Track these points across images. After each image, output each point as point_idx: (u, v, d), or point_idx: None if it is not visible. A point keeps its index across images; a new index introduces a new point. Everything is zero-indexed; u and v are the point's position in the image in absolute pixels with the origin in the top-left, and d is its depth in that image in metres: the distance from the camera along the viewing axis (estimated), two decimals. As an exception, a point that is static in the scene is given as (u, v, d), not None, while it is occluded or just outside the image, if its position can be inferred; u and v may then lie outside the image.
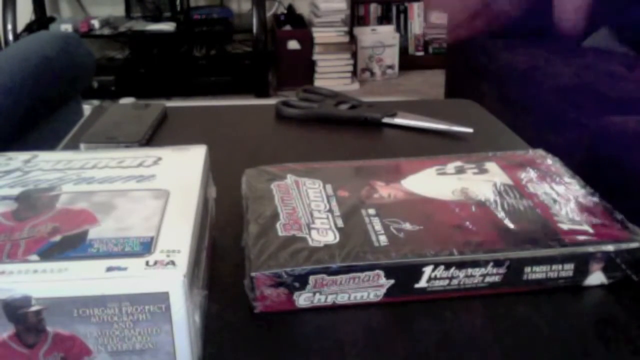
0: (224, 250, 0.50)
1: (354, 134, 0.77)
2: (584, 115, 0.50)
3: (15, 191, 0.44)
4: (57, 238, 0.38)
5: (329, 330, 0.43)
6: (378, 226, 0.47)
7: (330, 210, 0.49)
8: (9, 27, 3.02)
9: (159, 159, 0.49)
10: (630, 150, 0.69)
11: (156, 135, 0.76)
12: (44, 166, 0.48)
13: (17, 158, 0.50)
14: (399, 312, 0.44)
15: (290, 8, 3.38)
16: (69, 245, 0.38)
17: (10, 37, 3.02)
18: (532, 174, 0.55)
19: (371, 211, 0.49)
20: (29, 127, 1.17)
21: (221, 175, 0.54)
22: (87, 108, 0.88)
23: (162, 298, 0.35)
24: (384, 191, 0.52)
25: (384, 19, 3.67)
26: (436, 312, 0.44)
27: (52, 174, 0.47)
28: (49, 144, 0.77)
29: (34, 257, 0.37)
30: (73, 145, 0.73)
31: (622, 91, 0.71)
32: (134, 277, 0.35)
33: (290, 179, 0.53)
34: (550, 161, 0.57)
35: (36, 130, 1.17)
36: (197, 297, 0.38)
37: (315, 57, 3.33)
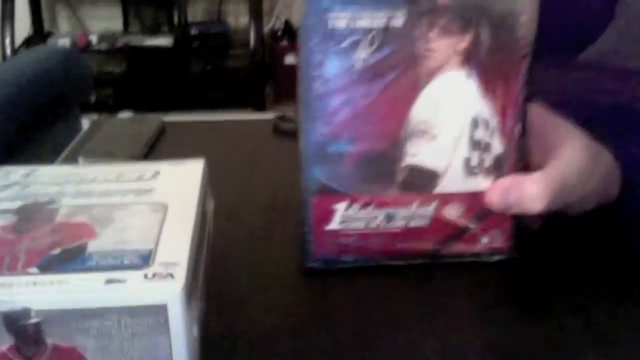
0: (222, 263, 0.50)
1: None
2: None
3: (15, 204, 0.45)
4: (56, 251, 0.39)
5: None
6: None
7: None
8: (7, 41, 3.03)
9: (157, 172, 0.49)
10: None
11: (154, 148, 0.76)
12: (44, 180, 0.49)
13: (17, 172, 0.50)
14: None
15: (287, 23, 3.40)
16: (68, 257, 0.38)
17: (8, 51, 3.03)
18: None
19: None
20: (27, 140, 1.17)
21: (219, 189, 0.54)
22: (85, 122, 0.89)
23: (161, 310, 0.36)
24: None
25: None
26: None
27: (52, 188, 0.47)
28: (48, 158, 0.77)
29: (34, 269, 0.37)
30: (71, 159, 0.73)
31: (614, 104, 0.72)
32: (132, 290, 0.36)
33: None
34: None
35: (34, 144, 1.18)
36: (195, 309, 0.39)
37: (313, 71, 3.34)
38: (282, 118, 0.84)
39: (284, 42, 3.32)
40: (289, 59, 3.27)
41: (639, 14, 0.92)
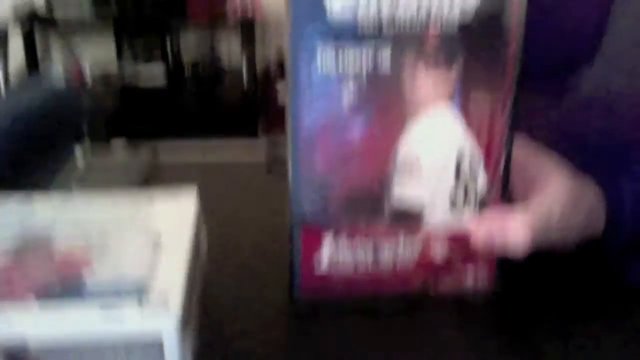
0: (215, 293, 0.51)
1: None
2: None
3: (13, 235, 0.46)
4: (53, 281, 0.40)
5: None
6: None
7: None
8: (1, 75, 3.05)
9: (151, 202, 0.51)
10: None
11: (148, 177, 0.77)
12: (40, 210, 0.50)
13: (13, 202, 0.51)
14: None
15: (280, 61, 3.43)
16: (65, 288, 0.39)
17: (2, 85, 3.05)
18: None
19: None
20: (20, 173, 1.18)
21: (211, 218, 0.55)
22: (78, 153, 0.90)
23: (156, 338, 0.37)
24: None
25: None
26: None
27: (48, 217, 0.48)
28: (42, 189, 0.78)
29: (32, 299, 0.38)
30: (66, 190, 0.74)
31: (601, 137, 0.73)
32: (128, 319, 0.37)
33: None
34: None
35: (28, 175, 1.19)
36: (189, 338, 0.40)
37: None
38: (274, 159, 0.84)
39: (276, 75, 3.35)
40: (281, 88, 3.30)
41: (627, 45, 0.93)
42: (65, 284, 0.39)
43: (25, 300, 0.38)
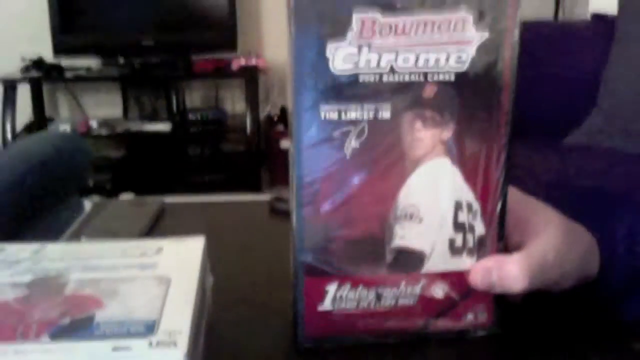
0: (219, 335, 0.53)
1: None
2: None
3: (26, 278, 0.48)
4: (66, 320, 0.41)
5: None
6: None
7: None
8: (8, 127, 3.09)
9: (160, 249, 0.52)
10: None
11: (154, 228, 0.79)
12: (52, 256, 0.52)
13: (26, 249, 0.53)
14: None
15: (283, 109, 3.49)
16: (78, 327, 0.41)
17: (9, 136, 3.09)
18: None
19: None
20: (28, 222, 1.20)
21: (217, 265, 0.57)
22: (87, 204, 0.92)
23: (164, 376, 0.38)
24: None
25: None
26: None
27: (60, 263, 0.50)
28: (50, 239, 0.80)
29: (45, 338, 0.40)
30: (75, 239, 0.76)
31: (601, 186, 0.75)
32: (138, 357, 0.38)
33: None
34: None
35: (36, 226, 1.20)
36: (195, 377, 0.41)
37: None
38: (278, 199, 0.87)
39: (280, 128, 3.40)
40: (285, 144, 3.34)
41: (622, 99, 0.96)
42: (78, 323, 0.41)
43: (39, 338, 0.39)
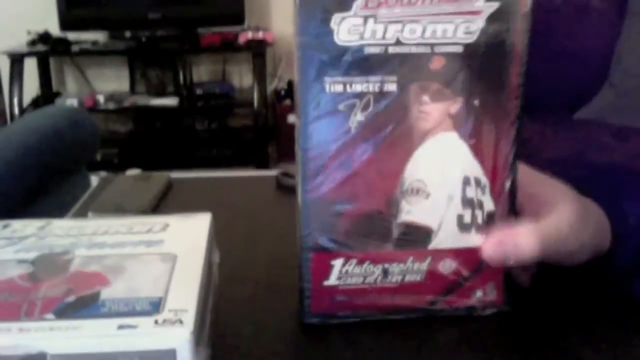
0: (226, 314, 0.53)
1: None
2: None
3: (31, 255, 0.47)
4: (71, 298, 0.41)
5: None
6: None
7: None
8: (15, 101, 3.10)
9: (167, 225, 0.52)
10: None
11: (161, 204, 0.79)
12: (58, 232, 0.51)
13: (32, 225, 0.53)
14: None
15: (290, 83, 3.48)
16: (83, 304, 0.40)
17: (17, 111, 3.09)
18: None
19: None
20: (35, 197, 1.20)
21: (224, 242, 0.56)
22: (94, 179, 0.92)
23: (170, 354, 0.38)
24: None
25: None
26: None
27: (66, 240, 0.50)
28: (57, 214, 0.80)
29: (50, 315, 0.39)
30: (81, 215, 0.76)
31: (609, 161, 0.74)
32: (143, 335, 0.38)
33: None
34: None
35: (43, 200, 1.21)
36: (202, 354, 0.41)
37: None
38: (284, 174, 0.87)
39: (287, 102, 3.39)
40: (292, 118, 3.33)
41: (634, 74, 0.95)
42: (83, 301, 0.41)
43: (44, 316, 0.39)
